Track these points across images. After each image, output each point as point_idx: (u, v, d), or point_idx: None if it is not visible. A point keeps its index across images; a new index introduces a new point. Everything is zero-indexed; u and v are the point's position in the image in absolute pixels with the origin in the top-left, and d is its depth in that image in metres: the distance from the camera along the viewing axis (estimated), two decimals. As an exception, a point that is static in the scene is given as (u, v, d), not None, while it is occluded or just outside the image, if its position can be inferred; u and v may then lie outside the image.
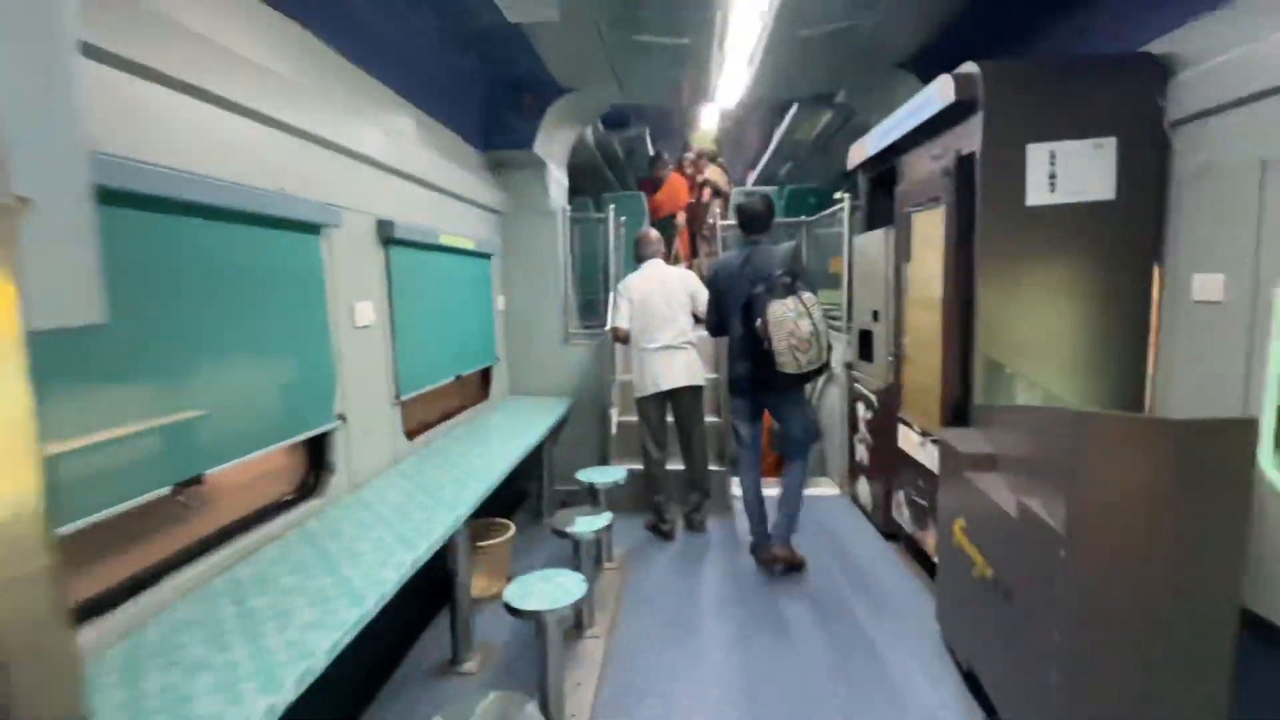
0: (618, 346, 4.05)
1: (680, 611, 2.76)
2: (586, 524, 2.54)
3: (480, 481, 2.38)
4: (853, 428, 3.95)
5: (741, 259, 3.03)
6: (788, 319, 2.69)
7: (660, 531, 3.57)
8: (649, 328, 3.44)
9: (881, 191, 3.73)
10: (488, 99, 3.71)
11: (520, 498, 4.22)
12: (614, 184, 7.70)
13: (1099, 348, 2.36)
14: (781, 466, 3.47)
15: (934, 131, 2.71)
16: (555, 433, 4.18)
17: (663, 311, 3.44)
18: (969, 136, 2.42)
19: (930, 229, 2.76)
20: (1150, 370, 2.31)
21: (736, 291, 2.97)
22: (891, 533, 3.43)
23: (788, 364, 2.72)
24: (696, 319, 3.50)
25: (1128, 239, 2.29)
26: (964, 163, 2.43)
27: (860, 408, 3.77)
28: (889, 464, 3.35)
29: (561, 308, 4.18)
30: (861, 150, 3.60)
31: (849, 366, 4.00)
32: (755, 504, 3.17)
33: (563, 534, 2.50)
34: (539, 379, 4.21)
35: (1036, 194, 2.33)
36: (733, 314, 3.01)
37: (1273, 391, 1.86)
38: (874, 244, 3.54)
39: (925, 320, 2.85)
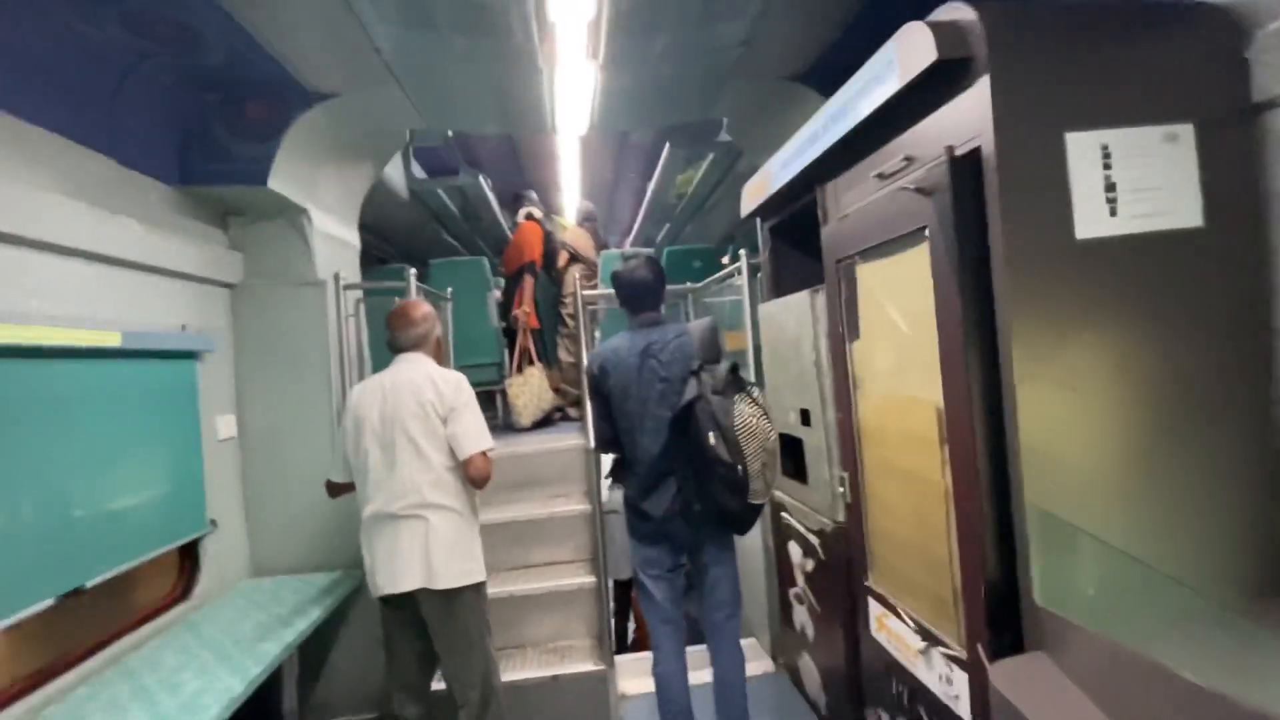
0: None
1: None
2: None
3: None
4: (783, 577, 2.75)
5: (639, 349, 2.17)
6: (757, 426, 1.94)
7: None
8: (361, 479, 2.03)
9: (786, 244, 2.75)
10: (180, 105, 2.30)
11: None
12: (459, 250, 6.34)
13: (1213, 476, 1.34)
14: (707, 644, 2.27)
15: (881, 136, 1.71)
16: (327, 635, 2.57)
17: (380, 450, 1.98)
18: (961, 124, 1.40)
19: (894, 285, 1.71)
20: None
21: (642, 394, 2.14)
22: (863, 756, 2.19)
23: (759, 490, 1.94)
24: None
25: (1232, 290, 1.34)
26: (960, 169, 1.40)
27: (795, 550, 2.59)
28: (850, 648, 2.14)
29: (337, 426, 2.69)
30: (761, 186, 2.59)
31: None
32: (682, 711, 2.20)
33: None
34: (305, 545, 2.63)
35: (1090, 219, 1.33)
36: (639, 428, 2.14)
37: None
38: (791, 314, 2.47)
39: (901, 432, 1.75)
